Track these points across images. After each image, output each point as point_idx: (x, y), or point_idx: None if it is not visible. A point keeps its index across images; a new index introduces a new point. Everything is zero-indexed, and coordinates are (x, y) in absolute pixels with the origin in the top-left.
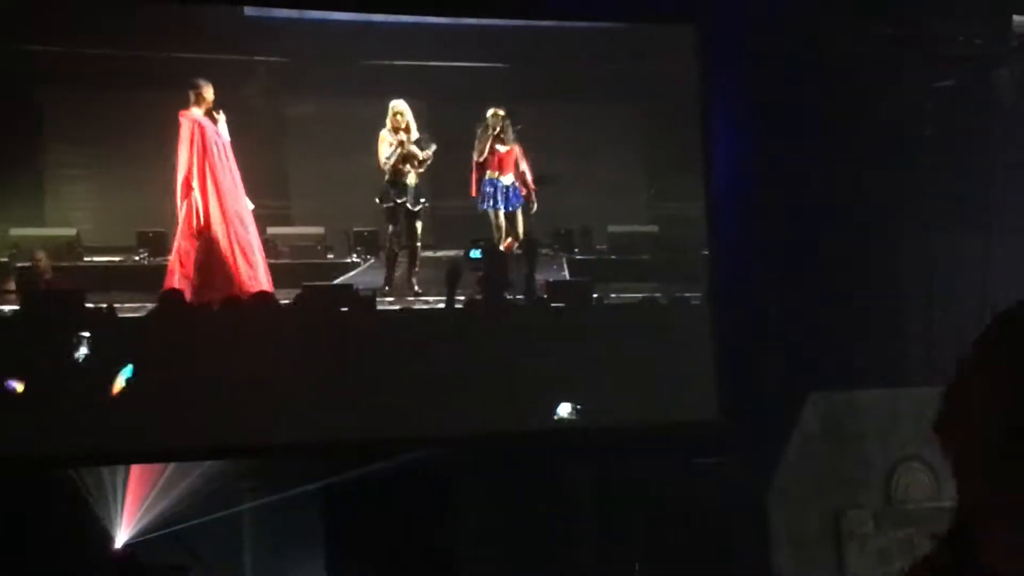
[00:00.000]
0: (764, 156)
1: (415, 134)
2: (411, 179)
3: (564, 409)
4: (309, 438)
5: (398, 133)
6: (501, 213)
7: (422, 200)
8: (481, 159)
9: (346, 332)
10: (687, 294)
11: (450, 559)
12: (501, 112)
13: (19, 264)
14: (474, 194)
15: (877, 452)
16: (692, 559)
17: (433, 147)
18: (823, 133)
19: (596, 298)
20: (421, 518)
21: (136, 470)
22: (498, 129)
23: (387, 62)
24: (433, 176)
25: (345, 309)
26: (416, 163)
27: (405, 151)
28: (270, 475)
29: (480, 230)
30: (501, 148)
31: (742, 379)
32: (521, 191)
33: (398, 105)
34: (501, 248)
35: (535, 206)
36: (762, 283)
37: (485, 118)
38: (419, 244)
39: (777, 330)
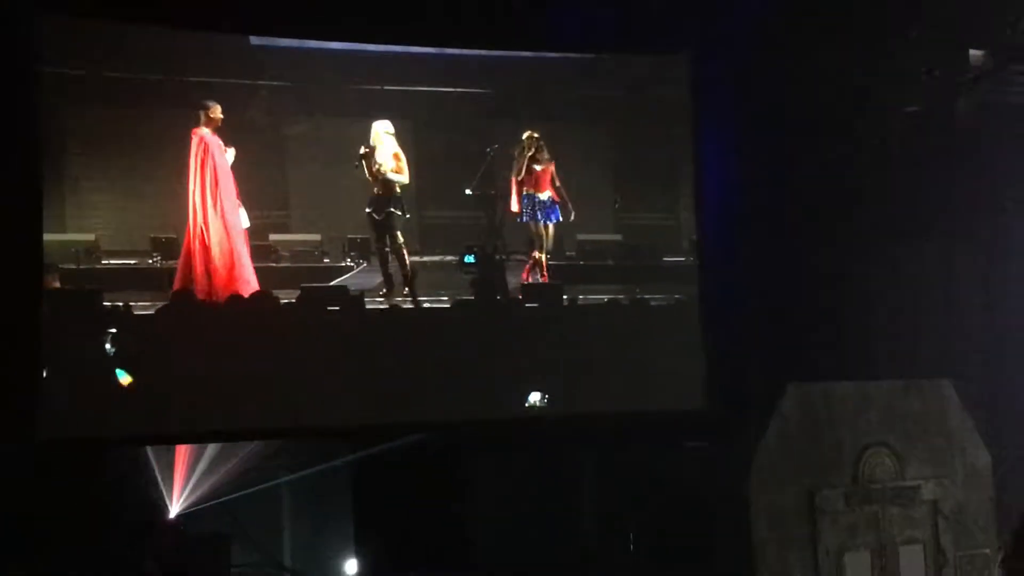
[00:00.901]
0: (748, 172)
1: (386, 150)
2: (379, 191)
3: (534, 397)
4: (324, 423)
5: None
6: (540, 225)
7: (389, 210)
8: (520, 177)
9: (343, 328)
10: (646, 296)
11: (464, 528)
12: (536, 134)
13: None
14: (515, 208)
15: (847, 437)
16: (681, 531)
17: (390, 165)
18: (801, 152)
19: (568, 299)
20: (439, 492)
21: (181, 451)
22: (533, 150)
23: (378, 87)
24: (418, 189)
25: (335, 308)
26: (375, 177)
27: (373, 167)
28: (296, 455)
29: (467, 237)
30: (537, 167)
31: (727, 372)
32: (556, 206)
33: (373, 125)
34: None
35: (572, 215)
36: (745, 287)
37: (521, 140)
38: (401, 252)
39: (759, 329)
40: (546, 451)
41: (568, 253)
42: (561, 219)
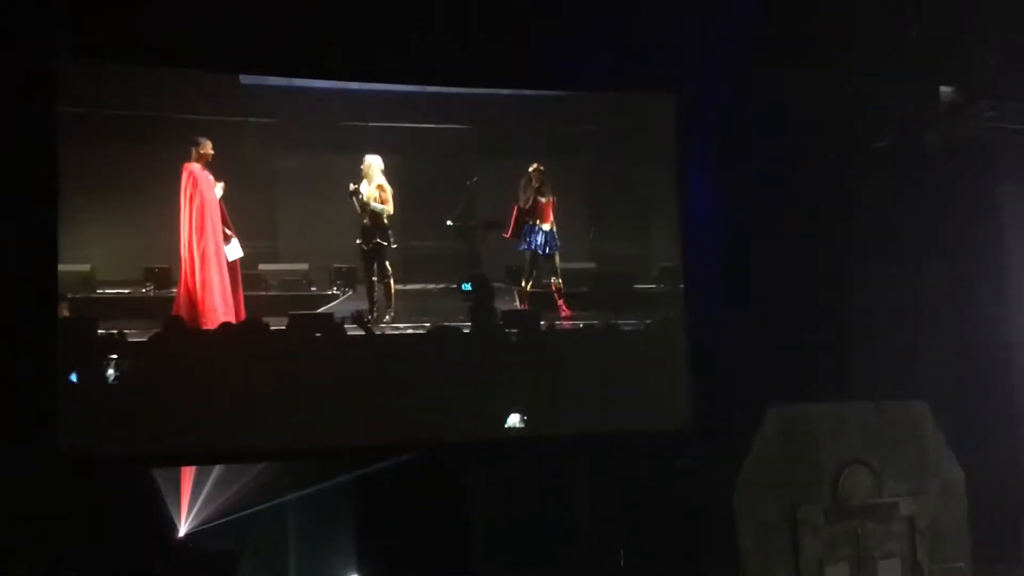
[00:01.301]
0: (729, 203)
1: (372, 182)
2: (368, 222)
3: (513, 419)
4: (316, 444)
5: (361, 183)
6: (541, 256)
7: (375, 240)
8: (526, 207)
9: (330, 353)
10: (619, 321)
11: (461, 543)
12: (542, 168)
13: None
14: (509, 235)
15: (827, 455)
16: (670, 545)
17: (374, 196)
18: (778, 180)
19: (544, 325)
20: (435, 510)
21: (187, 473)
22: (539, 182)
23: (363, 123)
24: (403, 220)
25: (319, 335)
26: (364, 208)
27: (360, 199)
28: (300, 476)
29: (447, 266)
30: (542, 199)
31: (711, 393)
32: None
33: (366, 159)
34: (526, 289)
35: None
36: (728, 312)
37: (528, 171)
38: (387, 280)
39: (741, 351)
40: (541, 468)
41: (544, 281)
42: (558, 250)
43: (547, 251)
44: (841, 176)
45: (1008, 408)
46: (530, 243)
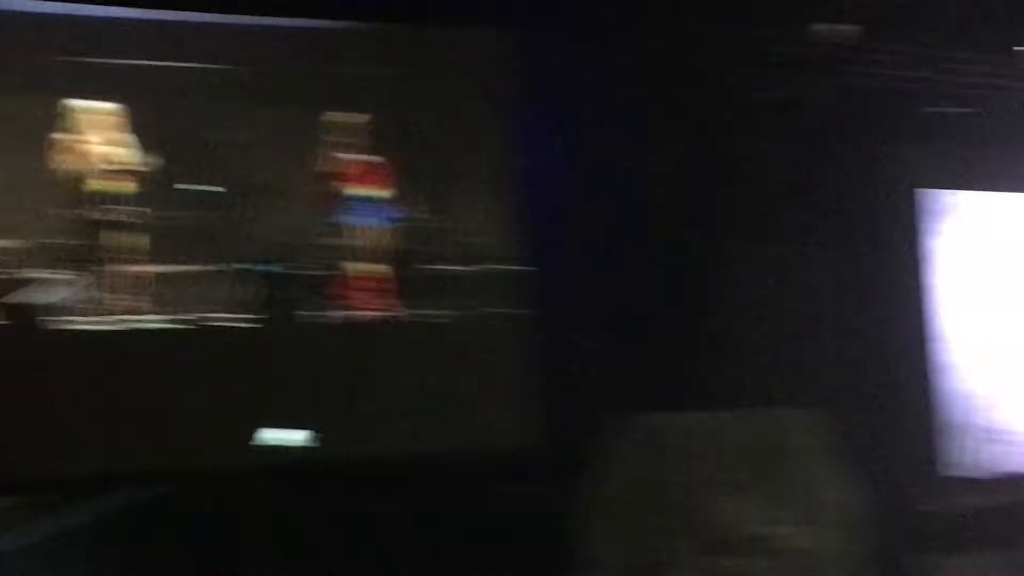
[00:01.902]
0: (572, 164)
1: (102, 133)
2: (114, 187)
3: (289, 436)
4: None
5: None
6: (355, 230)
7: (111, 207)
8: (325, 169)
9: (37, 357)
10: (420, 311)
11: None
12: (347, 117)
13: None
14: (311, 205)
15: (698, 477)
16: None
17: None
18: (638, 145)
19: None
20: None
21: None
22: (350, 137)
23: (85, 60)
24: (143, 183)
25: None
26: (116, 168)
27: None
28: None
29: (203, 243)
30: (356, 158)
31: (555, 401)
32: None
33: (78, 103)
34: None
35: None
36: (573, 300)
37: (327, 122)
38: (125, 259)
39: (585, 349)
40: (333, 500)
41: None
42: (387, 222)
43: (368, 224)
44: (718, 135)
45: (914, 418)
46: (342, 214)
